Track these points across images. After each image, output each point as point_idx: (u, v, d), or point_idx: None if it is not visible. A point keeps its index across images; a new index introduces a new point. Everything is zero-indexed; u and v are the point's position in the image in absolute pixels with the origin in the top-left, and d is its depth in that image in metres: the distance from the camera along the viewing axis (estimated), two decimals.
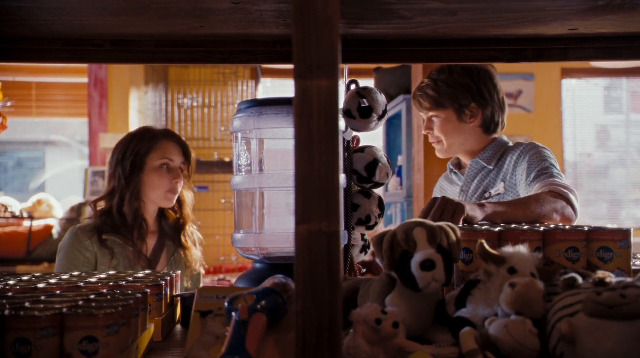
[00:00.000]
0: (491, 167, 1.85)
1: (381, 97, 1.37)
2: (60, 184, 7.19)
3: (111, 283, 1.11)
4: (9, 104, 4.40)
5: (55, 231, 4.51)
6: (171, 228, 1.98)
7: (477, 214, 1.35)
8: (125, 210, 1.81)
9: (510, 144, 1.88)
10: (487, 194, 1.83)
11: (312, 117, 0.77)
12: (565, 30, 1.28)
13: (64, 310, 0.82)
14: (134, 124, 4.40)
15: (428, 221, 0.95)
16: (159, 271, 1.30)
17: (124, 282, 1.12)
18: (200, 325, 0.88)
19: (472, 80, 1.83)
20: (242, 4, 1.12)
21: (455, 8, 1.14)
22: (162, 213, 1.95)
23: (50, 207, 4.96)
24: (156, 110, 4.49)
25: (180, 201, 1.97)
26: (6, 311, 0.81)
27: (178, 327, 1.24)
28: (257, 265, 1.16)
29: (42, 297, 0.94)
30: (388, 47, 1.40)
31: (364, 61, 1.41)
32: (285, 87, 5.15)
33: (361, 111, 1.32)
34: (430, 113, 1.87)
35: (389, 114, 3.31)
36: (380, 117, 1.36)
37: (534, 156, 1.74)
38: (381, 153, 1.41)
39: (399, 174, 3.06)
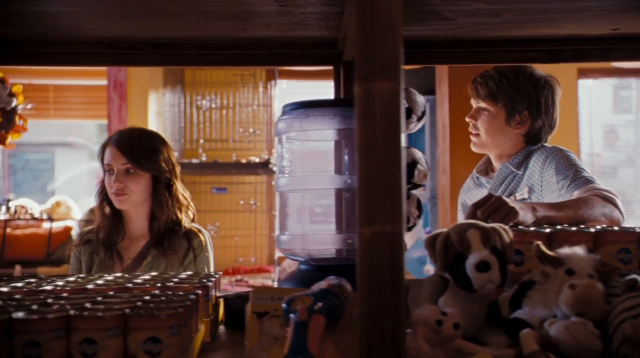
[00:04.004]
0: (520, 172, 1.84)
1: (420, 99, 1.37)
2: (77, 185, 7.24)
3: (159, 285, 1.12)
4: (29, 106, 4.43)
5: (74, 233, 4.54)
6: (156, 232, 1.88)
7: (528, 219, 1.34)
8: (103, 213, 1.88)
9: (419, 157, 1.85)
10: (512, 198, 1.83)
11: (375, 120, 0.77)
12: (608, 31, 1.28)
13: (127, 311, 0.83)
14: (152, 126, 4.42)
15: (481, 223, 0.95)
16: (202, 273, 1.31)
17: (171, 283, 1.13)
18: (258, 326, 0.89)
19: (535, 89, 1.79)
20: (288, 7, 1.13)
21: (500, 9, 1.14)
22: (152, 216, 1.89)
23: (68, 209, 5.00)
24: (174, 112, 4.51)
25: (160, 203, 1.87)
26: (71, 312, 0.82)
27: (221, 328, 1.25)
28: (303, 267, 1.17)
29: (99, 298, 0.95)
30: (426, 48, 1.40)
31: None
32: (301, 89, 5.16)
33: None
34: (482, 104, 1.83)
35: None
36: (419, 119, 1.36)
37: (562, 162, 1.72)
38: (420, 155, 1.41)
39: None
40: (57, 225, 4.53)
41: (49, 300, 0.93)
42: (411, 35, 1.32)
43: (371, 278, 0.77)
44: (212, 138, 4.44)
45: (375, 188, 0.77)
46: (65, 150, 7.40)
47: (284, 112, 1.17)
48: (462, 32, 1.29)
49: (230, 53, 1.34)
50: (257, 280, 4.33)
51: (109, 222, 1.88)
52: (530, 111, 1.79)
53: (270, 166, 4.40)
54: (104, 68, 4.41)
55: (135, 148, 1.86)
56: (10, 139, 4.74)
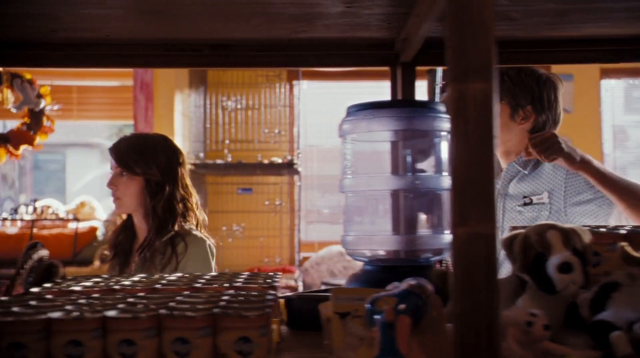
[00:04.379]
0: (526, 172, 1.84)
1: None
2: (99, 185, 7.30)
3: (226, 285, 1.13)
4: (56, 107, 4.47)
5: (100, 233, 4.57)
6: (145, 237, 1.89)
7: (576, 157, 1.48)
8: (120, 217, 1.99)
9: None
10: (527, 200, 1.82)
11: (468, 121, 0.78)
12: None
13: (216, 310, 0.84)
14: (178, 127, 4.44)
15: (560, 224, 0.95)
16: (265, 273, 1.31)
17: (238, 283, 1.14)
18: (341, 326, 0.89)
19: (537, 85, 1.81)
20: (355, 8, 1.13)
21: (567, 9, 1.14)
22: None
23: (92, 209, 5.03)
24: (199, 113, 4.53)
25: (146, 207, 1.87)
26: (162, 311, 0.83)
27: (283, 328, 1.25)
28: (368, 267, 1.17)
29: (180, 298, 0.95)
30: None
31: None
32: (323, 89, 5.16)
33: None
34: None
35: None
36: None
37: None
38: None
39: None
40: (82, 225, 4.56)
41: (130, 300, 0.94)
42: None
43: (465, 278, 0.77)
44: (238, 139, 4.45)
45: (469, 189, 0.77)
46: (78, 150, 7.46)
47: (348, 113, 1.17)
48: (521, 32, 1.29)
49: (290, 54, 1.34)
50: (282, 281, 4.35)
51: (121, 225, 1.96)
52: (533, 106, 1.81)
53: (295, 166, 4.41)
54: (129, 69, 4.44)
55: (125, 152, 1.88)
56: (38, 139, 4.76)
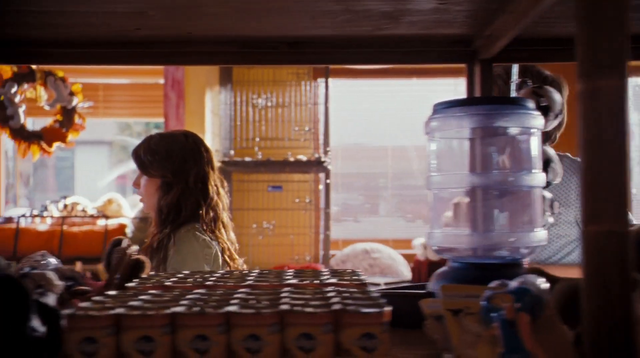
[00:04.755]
0: None
1: (558, 97, 1.36)
2: (110, 183, 7.34)
3: (316, 281, 1.13)
4: (87, 105, 4.50)
5: (129, 230, 4.59)
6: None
7: None
8: None
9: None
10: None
11: (600, 118, 0.77)
12: None
13: (336, 307, 0.84)
14: (209, 125, 4.46)
15: None
16: (345, 270, 1.31)
17: (325, 279, 1.14)
18: (456, 323, 0.89)
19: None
20: (447, 4, 1.13)
21: None
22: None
23: (119, 206, 5.06)
24: (230, 110, 4.54)
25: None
26: (284, 307, 0.83)
27: None
28: (455, 265, 1.17)
29: (283, 294, 0.95)
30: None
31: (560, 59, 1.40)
32: (351, 87, 5.16)
33: (540, 110, 1.32)
34: None
35: None
36: (556, 116, 1.35)
37: None
38: (553, 152, 1.40)
39: None
40: (111, 222, 4.59)
41: (240, 295, 0.94)
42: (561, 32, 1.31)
43: (597, 277, 0.77)
44: (268, 136, 4.45)
45: (601, 186, 0.77)
46: (87, 148, 7.49)
47: (436, 111, 1.17)
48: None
49: (371, 51, 1.34)
50: None
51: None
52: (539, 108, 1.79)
53: (325, 164, 4.41)
54: (159, 67, 4.46)
55: (142, 153, 1.91)
56: (70, 137, 4.77)
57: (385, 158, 5.42)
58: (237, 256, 1.97)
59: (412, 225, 5.50)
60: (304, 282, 1.14)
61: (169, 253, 1.83)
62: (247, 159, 4.40)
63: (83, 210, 4.86)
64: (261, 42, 1.37)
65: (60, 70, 4.32)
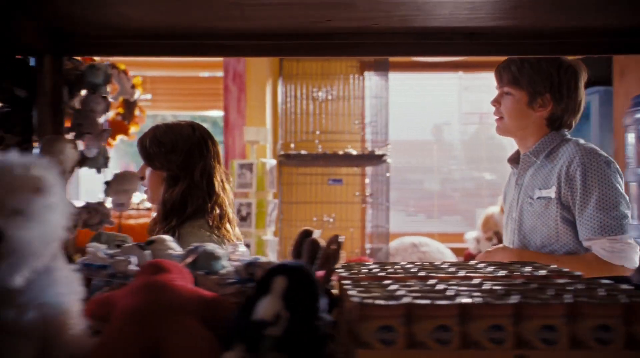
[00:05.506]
0: (539, 161, 1.83)
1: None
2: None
3: (503, 274, 1.12)
4: (148, 97, 4.51)
5: None
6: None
7: None
8: None
9: (568, 137, 1.84)
10: (539, 194, 1.81)
11: None
12: None
13: (624, 300, 0.84)
14: (268, 118, 4.46)
15: None
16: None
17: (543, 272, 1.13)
18: None
19: (558, 72, 1.81)
20: None
21: None
22: None
23: None
24: (290, 104, 4.54)
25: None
26: (515, 299, 0.83)
27: None
28: None
29: (533, 286, 0.95)
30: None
31: None
32: (410, 80, 5.14)
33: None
34: (506, 89, 1.86)
35: None
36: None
37: (591, 177, 1.69)
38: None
39: None
40: None
41: (486, 287, 0.94)
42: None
43: None
44: (328, 130, 4.45)
45: None
46: None
47: (637, 103, 1.16)
48: None
49: (549, 42, 1.32)
50: None
51: None
52: (552, 93, 1.81)
53: (385, 158, 4.40)
54: (219, 59, 4.46)
55: (146, 144, 1.84)
56: (132, 129, 4.78)
57: (431, 152, 5.41)
58: None
59: (450, 219, 5.51)
60: (514, 273, 1.14)
61: None
62: (303, 152, 4.40)
63: (139, 203, 4.88)
64: (437, 34, 1.36)
65: (121, 63, 4.33)
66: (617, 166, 1.72)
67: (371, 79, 4.51)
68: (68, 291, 0.83)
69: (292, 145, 4.43)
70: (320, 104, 4.46)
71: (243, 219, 3.91)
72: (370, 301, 0.82)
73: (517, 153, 1.96)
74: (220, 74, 4.58)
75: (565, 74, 1.81)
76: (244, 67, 4.34)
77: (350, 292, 0.87)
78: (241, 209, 3.92)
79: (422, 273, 1.10)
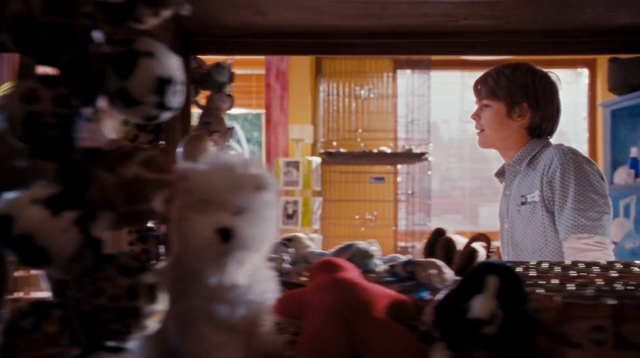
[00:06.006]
0: (522, 169, 1.86)
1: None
2: None
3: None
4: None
5: None
6: None
7: None
8: None
9: (549, 143, 1.87)
10: (523, 199, 1.83)
11: None
12: None
13: None
14: (311, 116, 4.47)
15: None
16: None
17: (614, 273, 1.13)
18: None
19: (532, 81, 1.85)
20: None
21: None
22: None
23: None
24: (332, 101, 4.54)
25: None
26: None
27: None
28: None
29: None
30: None
31: None
32: (446, 78, 5.13)
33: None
34: (484, 101, 1.90)
35: (618, 106, 3.28)
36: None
37: (567, 178, 1.71)
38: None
39: (633, 166, 3.13)
40: None
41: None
42: None
43: None
44: (370, 128, 4.46)
45: None
46: None
47: None
48: None
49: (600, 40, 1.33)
50: None
51: None
52: (529, 102, 1.84)
53: (426, 156, 4.40)
54: (261, 57, 4.46)
55: None
56: None
57: (463, 150, 5.40)
58: None
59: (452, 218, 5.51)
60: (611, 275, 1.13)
61: None
62: (342, 150, 4.41)
63: None
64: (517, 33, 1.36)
65: None
66: (598, 168, 1.75)
67: (412, 76, 4.51)
68: (269, 289, 0.84)
69: (334, 143, 4.44)
70: (362, 102, 4.46)
71: (289, 217, 3.93)
72: (576, 301, 0.82)
73: (503, 166, 1.99)
74: (262, 71, 4.58)
75: (540, 83, 1.85)
76: (287, 65, 4.35)
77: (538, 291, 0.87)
78: (287, 207, 3.93)
79: (573, 273, 1.10)
